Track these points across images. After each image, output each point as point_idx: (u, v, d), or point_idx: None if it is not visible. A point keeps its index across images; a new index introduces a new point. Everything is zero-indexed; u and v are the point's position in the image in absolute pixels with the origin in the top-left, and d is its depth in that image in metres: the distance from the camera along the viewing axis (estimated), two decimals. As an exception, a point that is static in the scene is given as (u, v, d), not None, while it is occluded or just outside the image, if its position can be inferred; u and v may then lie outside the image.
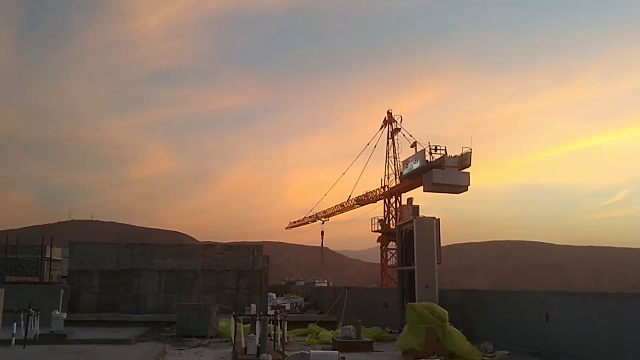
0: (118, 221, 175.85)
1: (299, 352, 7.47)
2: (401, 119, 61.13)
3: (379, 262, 63.53)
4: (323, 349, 13.01)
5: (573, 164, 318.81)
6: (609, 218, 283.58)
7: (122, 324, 17.08)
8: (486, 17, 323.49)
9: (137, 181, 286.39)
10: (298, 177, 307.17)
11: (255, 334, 11.79)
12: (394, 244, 55.76)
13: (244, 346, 11.68)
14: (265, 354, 7.84)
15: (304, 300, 26.15)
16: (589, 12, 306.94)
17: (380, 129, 62.85)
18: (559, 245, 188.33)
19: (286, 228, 78.29)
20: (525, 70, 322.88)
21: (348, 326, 14.14)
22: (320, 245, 72.94)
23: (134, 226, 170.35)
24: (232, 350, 12.11)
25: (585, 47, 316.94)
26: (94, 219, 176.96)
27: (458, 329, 12.35)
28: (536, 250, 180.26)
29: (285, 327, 11.99)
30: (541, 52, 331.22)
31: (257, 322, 12.10)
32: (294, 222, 76.76)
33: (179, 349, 13.20)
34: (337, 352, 7.48)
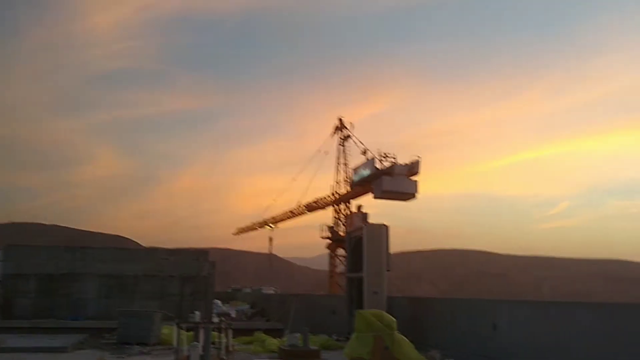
0: (61, 224, 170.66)
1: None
2: (352, 127, 61.57)
3: (327, 268, 63.55)
4: (269, 358, 12.73)
5: (518, 175, 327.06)
6: (551, 228, 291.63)
7: (60, 331, 16.25)
8: (439, 28, 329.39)
9: (82, 183, 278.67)
10: (248, 183, 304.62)
11: (198, 342, 11.42)
12: (343, 250, 56.04)
13: (186, 354, 11.29)
14: (208, 363, 7.49)
15: (251, 307, 25.75)
16: (536, 30, 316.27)
17: (331, 136, 63.11)
18: (504, 254, 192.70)
19: (234, 234, 77.65)
20: (476, 83, 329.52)
21: (295, 334, 13.87)
22: (268, 251, 72.58)
23: (78, 229, 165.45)
24: (174, 358, 11.68)
25: (533, 63, 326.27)
26: (35, 222, 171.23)
27: (406, 336, 12.25)
28: (481, 259, 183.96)
29: (231, 335, 11.64)
30: (491, 65, 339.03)
31: (201, 329, 11.73)
32: (242, 228, 76.20)
33: (118, 357, 12.68)
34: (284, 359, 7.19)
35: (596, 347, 9.38)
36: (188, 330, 12.16)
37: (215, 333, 11.93)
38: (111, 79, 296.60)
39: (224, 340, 11.58)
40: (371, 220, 16.13)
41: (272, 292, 64.32)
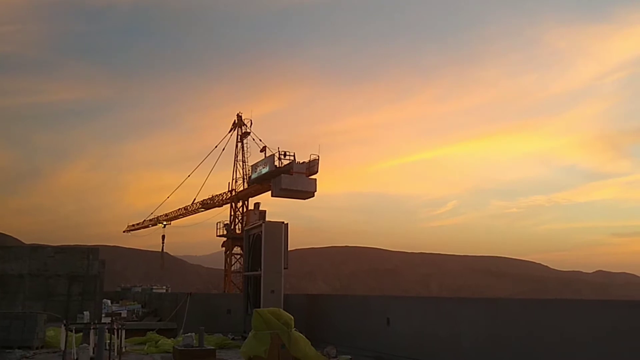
0: None
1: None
2: (251, 123, 61.22)
3: (221, 267, 62.82)
4: (163, 359, 12.42)
5: (409, 175, 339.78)
6: (439, 227, 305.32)
7: None
8: (338, 30, 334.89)
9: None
10: (139, 178, 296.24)
11: (88, 343, 10.95)
12: (239, 249, 55.62)
13: (75, 357, 10.79)
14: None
15: (142, 307, 24.98)
16: (431, 34, 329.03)
17: (230, 132, 62.45)
18: (394, 251, 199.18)
19: (124, 231, 74.96)
20: (371, 85, 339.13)
21: (190, 334, 13.58)
22: (160, 250, 70.66)
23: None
24: (61, 362, 11.12)
25: (426, 67, 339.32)
26: None
27: (303, 334, 12.33)
28: (373, 256, 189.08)
29: (123, 336, 11.24)
30: (386, 68, 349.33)
31: (91, 330, 11.25)
32: (133, 225, 73.76)
33: (-3, 363, 11.88)
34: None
35: (482, 338, 9.92)
36: (77, 331, 11.63)
37: (106, 334, 11.47)
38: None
39: (115, 341, 11.15)
40: (268, 218, 16.20)
41: (163, 290, 62.91)
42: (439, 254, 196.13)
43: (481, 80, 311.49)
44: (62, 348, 11.11)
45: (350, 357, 12.50)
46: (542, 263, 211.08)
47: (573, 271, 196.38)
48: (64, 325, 11.31)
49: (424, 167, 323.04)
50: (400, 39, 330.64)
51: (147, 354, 13.34)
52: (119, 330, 11.21)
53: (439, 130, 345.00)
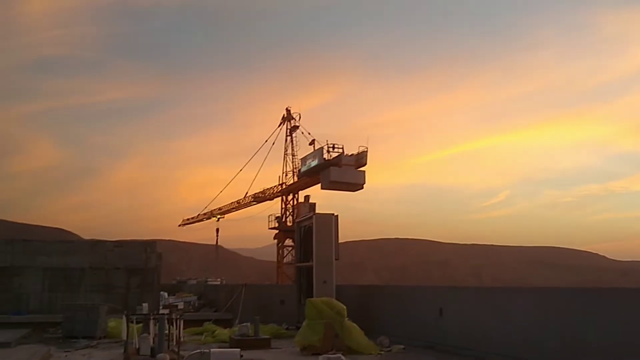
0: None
1: (199, 351, 7.16)
2: (300, 117, 61.48)
3: (273, 259, 63.53)
4: (219, 348, 12.73)
5: (460, 166, 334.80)
6: (491, 217, 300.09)
7: (2, 326, 15.75)
8: (385, 20, 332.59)
9: (17, 175, 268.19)
10: (192, 173, 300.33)
11: (148, 333, 11.32)
12: (291, 241, 56.10)
13: (136, 347, 11.19)
14: (162, 354, 7.46)
15: (198, 298, 25.57)
16: (481, 21, 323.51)
17: (279, 126, 62.91)
18: (444, 242, 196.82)
19: (179, 225, 76.79)
20: (418, 74, 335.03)
21: (245, 323, 13.93)
22: (214, 242, 72.05)
23: (14, 222, 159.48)
24: (123, 351, 11.55)
25: (474, 54, 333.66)
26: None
27: (356, 324, 12.48)
28: (423, 248, 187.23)
29: (181, 326, 11.60)
30: (433, 57, 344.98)
31: (151, 321, 11.64)
32: (188, 219, 75.40)
33: (65, 351, 12.40)
34: (239, 349, 7.24)
35: (535, 329, 9.85)
36: (137, 322, 12.03)
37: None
38: (47, 66, 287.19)
39: (174, 331, 11.50)
40: (318, 210, 16.37)
41: (218, 282, 64.03)
42: (490, 245, 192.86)
43: (532, 67, 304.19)
44: (124, 338, 11.54)
45: (403, 346, 12.57)
46: (599, 253, 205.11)
47: (631, 261, 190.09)
48: (125, 315, 11.72)
49: (474, 157, 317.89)
50: (447, 27, 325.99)
51: (204, 343, 13.69)
52: (177, 321, 11.54)
53: (489, 119, 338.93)
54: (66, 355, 11.84)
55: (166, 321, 11.70)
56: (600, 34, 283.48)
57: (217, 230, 68.57)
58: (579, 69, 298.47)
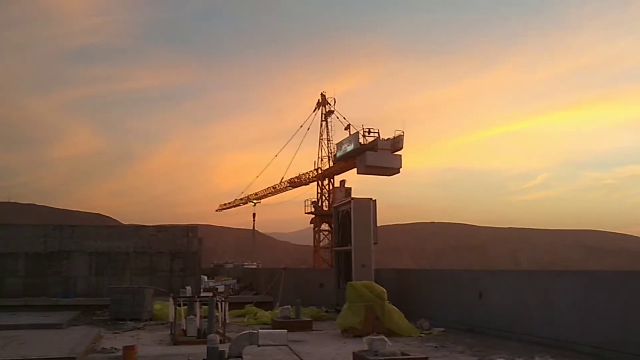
0: (37, 203, 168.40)
1: (248, 332, 7.38)
2: (334, 102, 61.46)
3: (308, 243, 64.14)
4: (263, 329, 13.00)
5: (496, 148, 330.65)
6: (528, 200, 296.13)
7: (51, 309, 16.35)
8: (417, 2, 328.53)
9: (57, 161, 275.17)
10: (228, 159, 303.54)
11: (194, 315, 11.65)
12: (327, 225, 56.49)
13: (183, 328, 11.54)
14: (212, 335, 7.72)
15: (237, 282, 26.05)
16: (512, 4, 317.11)
17: (314, 111, 63.05)
18: (481, 226, 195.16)
19: (216, 210, 77.96)
20: (453, 55, 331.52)
21: (287, 306, 14.20)
22: (250, 227, 72.93)
23: (55, 208, 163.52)
24: (170, 332, 11.92)
25: (510, 34, 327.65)
26: (11, 201, 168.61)
27: (395, 307, 12.63)
28: (459, 232, 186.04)
29: (227, 309, 11.90)
30: (468, 37, 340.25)
31: (196, 303, 11.98)
32: (225, 204, 76.38)
33: (114, 333, 12.84)
34: (286, 330, 7.45)
35: (576, 311, 9.86)
36: (182, 305, 12.37)
37: (205, 307, 12.17)
38: (84, 54, 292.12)
39: (219, 313, 11.81)
40: (354, 195, 16.60)
41: (254, 266, 64.93)
42: (528, 228, 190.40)
43: (570, 45, 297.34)
44: (171, 320, 11.91)
45: (443, 329, 12.69)
46: (639, 235, 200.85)
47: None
48: (172, 298, 12.07)
49: (511, 139, 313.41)
50: (482, 6, 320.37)
51: (247, 325, 14.02)
52: (222, 303, 11.83)
53: (526, 100, 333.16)
54: (115, 337, 12.24)
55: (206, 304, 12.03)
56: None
57: (254, 215, 69.40)
58: (618, 48, 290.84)
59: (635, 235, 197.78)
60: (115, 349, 9.87)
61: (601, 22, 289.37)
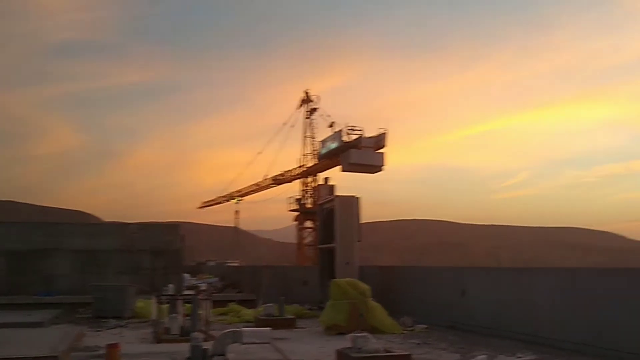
0: (17, 200, 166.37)
1: (231, 330, 7.40)
2: (319, 99, 61.50)
3: (291, 241, 64.10)
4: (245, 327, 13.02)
5: (479, 146, 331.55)
6: (509, 198, 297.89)
7: (33, 307, 16.16)
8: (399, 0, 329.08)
9: (38, 158, 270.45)
10: (210, 156, 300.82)
11: (176, 314, 11.62)
12: (310, 222, 56.52)
13: (166, 326, 11.51)
14: (196, 333, 7.73)
15: (220, 280, 25.96)
16: (494, 2, 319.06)
17: (298, 109, 62.95)
18: (463, 223, 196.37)
19: (198, 208, 77.63)
20: (435, 54, 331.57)
21: (270, 304, 14.20)
22: (233, 224, 72.78)
23: (35, 205, 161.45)
24: (153, 330, 11.89)
25: (491, 33, 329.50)
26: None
27: (379, 304, 12.70)
28: (441, 229, 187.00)
29: (210, 307, 11.89)
30: (450, 36, 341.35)
31: (178, 301, 11.96)
32: (207, 201, 76.15)
33: (96, 331, 12.78)
34: (270, 328, 7.48)
35: (558, 308, 10.01)
36: (164, 303, 12.34)
37: (188, 305, 12.16)
38: (65, 50, 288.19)
39: (203, 311, 11.80)
40: (338, 192, 16.61)
41: (236, 264, 64.84)
42: (509, 225, 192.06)
43: (552, 45, 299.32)
44: (153, 318, 11.88)
45: (426, 326, 12.78)
46: (620, 234, 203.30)
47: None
48: (155, 296, 12.03)
49: (493, 137, 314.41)
50: (465, 5, 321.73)
51: (230, 323, 14.01)
52: (205, 302, 11.82)
53: (508, 98, 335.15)
54: (98, 335, 12.19)
55: (189, 302, 12.02)
56: (622, 10, 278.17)
57: (237, 212, 69.33)
58: (600, 46, 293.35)
59: (615, 232, 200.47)
60: (98, 347, 9.82)
61: (580, 22, 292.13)
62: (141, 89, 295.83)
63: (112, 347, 8.15)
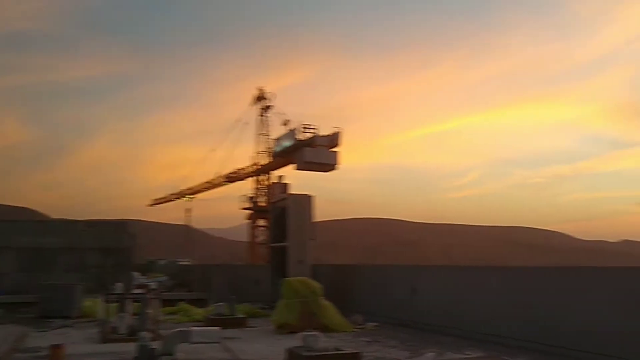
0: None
1: (180, 329, 7.29)
2: (275, 96, 61.27)
3: (244, 239, 63.65)
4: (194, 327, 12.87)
5: (431, 146, 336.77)
6: (461, 197, 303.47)
7: (-27, 307, 15.70)
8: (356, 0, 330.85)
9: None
10: (161, 152, 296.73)
11: (124, 313, 11.41)
12: (263, 221, 56.29)
13: (113, 326, 11.28)
14: (144, 332, 7.59)
15: (170, 279, 25.64)
16: (446, 6, 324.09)
17: (251, 106, 62.56)
18: (415, 222, 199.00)
19: (149, 205, 76.39)
20: (390, 55, 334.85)
21: (221, 303, 14.08)
22: (184, 223, 71.89)
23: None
24: (100, 330, 11.63)
25: (445, 35, 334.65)
26: None
27: (331, 302, 12.74)
28: (395, 227, 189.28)
29: (159, 306, 11.71)
30: (405, 38, 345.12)
31: (127, 300, 11.74)
32: (158, 199, 74.99)
33: (41, 331, 12.42)
34: (220, 327, 7.41)
35: (506, 306, 10.23)
36: (112, 302, 12.09)
37: (136, 304, 11.97)
38: (13, 42, 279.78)
39: (152, 310, 11.61)
40: (292, 191, 16.63)
41: (187, 263, 64.16)
42: (460, 224, 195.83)
43: (503, 47, 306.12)
44: (101, 317, 11.62)
45: (376, 324, 12.88)
46: (566, 233, 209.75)
47: (598, 241, 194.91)
48: (104, 295, 11.78)
49: (446, 137, 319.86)
50: (420, 6, 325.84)
51: (180, 323, 13.82)
52: (155, 301, 11.64)
53: (460, 99, 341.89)
54: (42, 335, 11.84)
55: (138, 301, 11.82)
56: (572, 15, 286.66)
57: (188, 210, 68.54)
58: (549, 50, 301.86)
59: (562, 232, 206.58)
60: (42, 347, 9.55)
61: (531, 26, 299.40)
62: (92, 83, 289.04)
63: (56, 348, 7.94)
